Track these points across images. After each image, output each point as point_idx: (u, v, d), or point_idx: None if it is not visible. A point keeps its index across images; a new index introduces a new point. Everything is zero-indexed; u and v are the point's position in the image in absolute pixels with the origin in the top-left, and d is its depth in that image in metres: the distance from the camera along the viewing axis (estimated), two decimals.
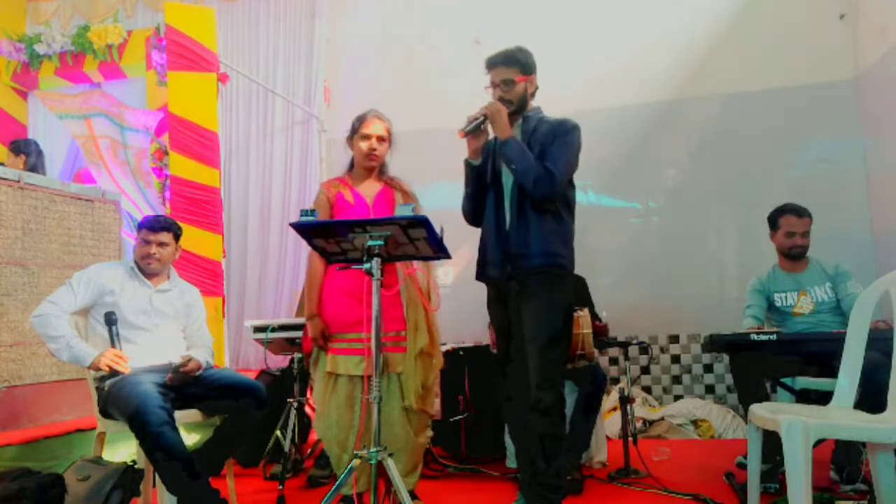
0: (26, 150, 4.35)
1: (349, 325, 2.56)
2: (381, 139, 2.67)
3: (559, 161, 2.35)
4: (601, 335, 3.38)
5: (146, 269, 2.69)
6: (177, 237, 2.76)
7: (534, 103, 2.54)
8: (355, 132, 2.70)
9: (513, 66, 2.45)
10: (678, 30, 4.61)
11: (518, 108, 2.48)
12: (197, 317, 2.82)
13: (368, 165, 2.70)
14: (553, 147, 2.38)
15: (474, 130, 2.39)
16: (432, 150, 3.65)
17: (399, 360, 2.56)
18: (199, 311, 2.85)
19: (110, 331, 2.53)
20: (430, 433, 2.70)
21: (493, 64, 2.48)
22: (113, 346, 2.51)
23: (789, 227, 3.17)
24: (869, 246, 4.19)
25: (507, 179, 2.44)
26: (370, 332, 2.36)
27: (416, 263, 2.65)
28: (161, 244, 2.68)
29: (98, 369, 2.43)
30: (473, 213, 2.55)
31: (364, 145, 2.66)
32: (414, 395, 2.56)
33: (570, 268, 2.45)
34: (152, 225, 2.69)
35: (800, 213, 3.17)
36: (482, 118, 2.39)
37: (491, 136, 2.49)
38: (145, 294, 2.66)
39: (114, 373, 2.42)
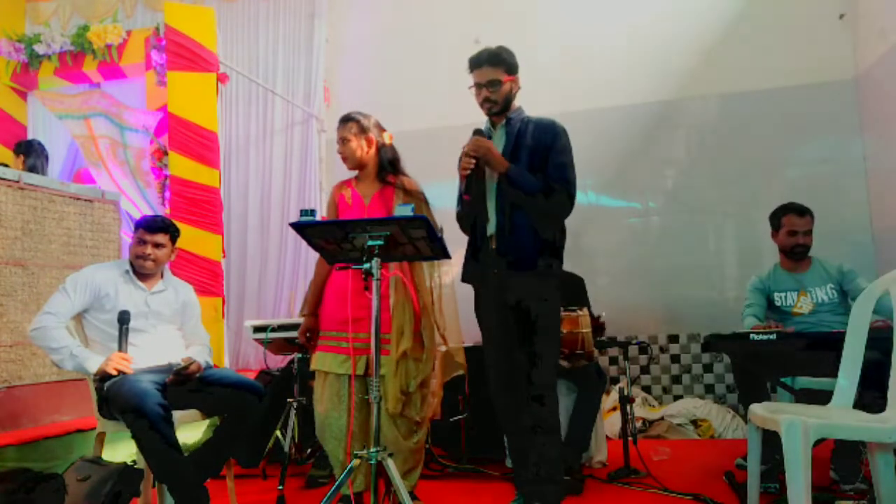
0: (26, 152, 4.37)
1: (338, 324, 2.56)
2: (344, 140, 2.67)
3: (567, 171, 2.37)
4: (598, 334, 3.38)
5: (140, 269, 2.65)
6: (173, 239, 2.73)
7: (517, 103, 2.51)
8: None
9: (499, 65, 2.40)
10: (678, 30, 4.61)
11: (503, 109, 2.46)
12: (192, 314, 2.82)
13: (347, 167, 2.73)
14: (553, 158, 2.37)
15: (474, 179, 2.35)
16: (432, 149, 3.63)
17: (382, 363, 2.52)
18: (195, 307, 2.84)
19: (121, 329, 2.50)
20: (420, 436, 2.63)
21: (477, 64, 2.42)
22: (120, 345, 2.49)
23: (791, 226, 3.18)
24: (869, 246, 4.19)
25: (491, 182, 2.41)
26: (355, 332, 2.43)
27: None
28: (157, 245, 2.65)
29: (105, 374, 2.39)
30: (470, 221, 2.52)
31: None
32: (393, 400, 2.49)
33: (558, 266, 2.42)
34: (149, 225, 2.67)
35: (801, 212, 3.18)
36: (474, 163, 2.32)
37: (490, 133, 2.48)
38: (141, 297, 2.65)
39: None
